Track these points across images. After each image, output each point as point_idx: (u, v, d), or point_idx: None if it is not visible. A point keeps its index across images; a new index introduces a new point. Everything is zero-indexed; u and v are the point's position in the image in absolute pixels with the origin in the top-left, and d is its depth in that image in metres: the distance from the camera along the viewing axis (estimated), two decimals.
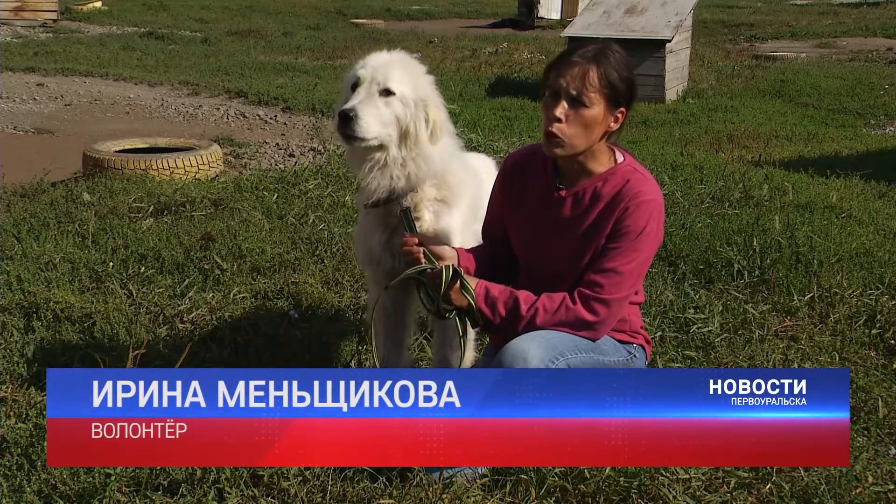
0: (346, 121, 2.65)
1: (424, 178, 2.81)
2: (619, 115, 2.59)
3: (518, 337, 2.51)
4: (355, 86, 2.74)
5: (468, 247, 2.93)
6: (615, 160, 2.67)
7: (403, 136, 2.75)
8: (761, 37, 19.97)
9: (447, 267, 2.58)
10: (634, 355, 2.74)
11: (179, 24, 20.62)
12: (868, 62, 15.63)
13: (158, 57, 14.69)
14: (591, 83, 2.50)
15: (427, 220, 2.85)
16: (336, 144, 7.64)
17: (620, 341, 2.72)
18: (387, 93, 2.73)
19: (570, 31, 11.72)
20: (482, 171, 3.33)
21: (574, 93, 2.51)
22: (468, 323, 2.67)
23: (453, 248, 2.75)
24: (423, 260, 2.63)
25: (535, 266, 2.74)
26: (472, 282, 2.61)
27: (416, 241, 2.66)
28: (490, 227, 2.92)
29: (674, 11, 11.45)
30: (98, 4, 22.08)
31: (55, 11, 18.82)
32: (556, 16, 24.09)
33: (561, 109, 2.52)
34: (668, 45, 11.07)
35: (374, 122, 2.68)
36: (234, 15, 23.10)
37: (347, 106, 2.67)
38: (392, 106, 2.73)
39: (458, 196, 2.92)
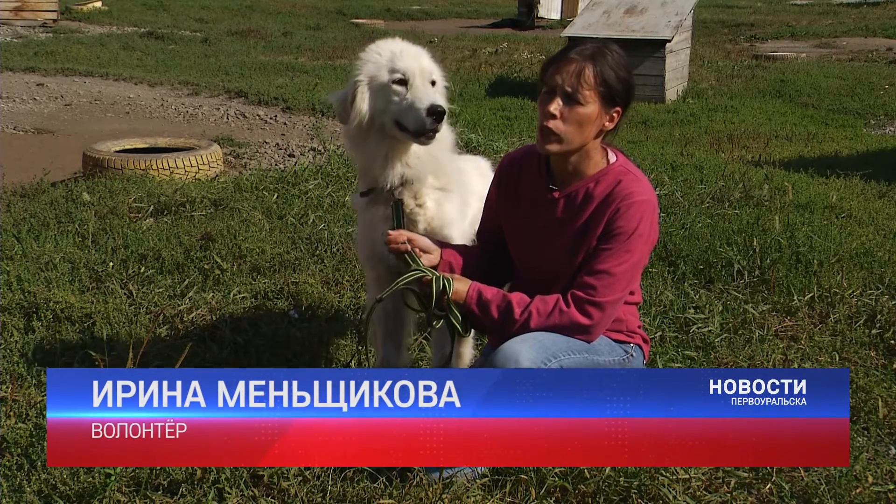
0: (441, 117, 2.65)
1: (435, 163, 2.81)
2: (615, 115, 2.59)
3: (511, 339, 2.51)
4: (401, 81, 2.70)
5: (469, 234, 2.94)
6: (608, 161, 2.67)
7: None
8: (761, 37, 19.99)
9: (437, 278, 2.58)
10: (631, 355, 2.74)
11: (179, 24, 20.63)
12: (868, 62, 15.64)
13: (158, 57, 14.69)
14: (586, 81, 2.51)
15: (430, 208, 2.85)
16: (336, 144, 7.65)
17: (617, 341, 2.72)
18: (433, 83, 2.76)
19: (570, 31, 11.72)
20: (473, 173, 3.33)
21: (569, 90, 2.51)
22: (462, 336, 2.68)
23: (436, 243, 2.75)
24: (409, 259, 2.63)
25: (530, 267, 2.74)
26: (465, 285, 2.60)
27: (405, 236, 2.65)
28: (486, 226, 2.92)
29: (674, 11, 11.46)
30: (98, 4, 22.09)
31: (55, 11, 18.83)
32: (556, 16, 24.12)
33: (556, 106, 2.53)
34: (668, 45, 11.07)
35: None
36: (234, 15, 23.11)
37: (435, 102, 2.65)
38: (439, 95, 2.76)
39: (454, 183, 2.93)
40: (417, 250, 2.65)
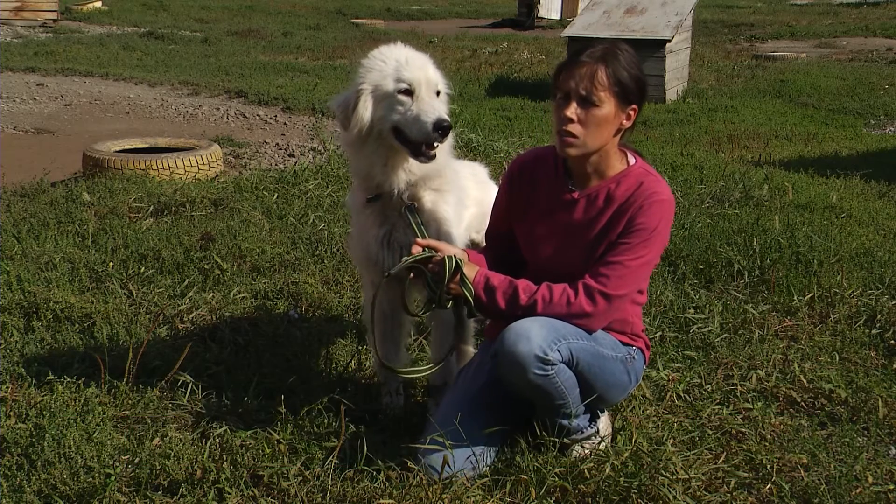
0: (447, 132, 2.64)
1: (436, 168, 2.80)
2: (631, 113, 2.61)
3: (522, 319, 2.52)
4: (406, 91, 2.69)
5: (465, 238, 2.96)
6: (627, 162, 2.69)
7: None
8: (761, 37, 19.97)
9: (450, 257, 2.58)
10: (634, 357, 2.75)
11: (179, 24, 20.62)
12: (868, 62, 15.63)
13: (158, 57, 14.69)
14: (600, 82, 2.52)
15: (426, 211, 2.86)
16: (336, 144, 7.65)
17: (621, 343, 2.73)
18: (437, 94, 2.74)
19: (570, 31, 11.71)
20: (469, 178, 3.32)
21: (584, 93, 2.53)
22: (472, 316, 2.71)
23: (463, 250, 2.75)
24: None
25: (546, 267, 2.73)
26: (472, 270, 2.62)
27: (426, 243, 2.65)
28: (495, 229, 2.93)
29: (674, 11, 11.45)
30: (98, 4, 22.10)
31: (55, 11, 18.83)
32: (556, 16, 24.11)
33: (572, 110, 2.54)
34: (668, 45, 11.06)
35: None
36: (234, 15, 23.12)
37: (442, 116, 2.64)
38: (443, 105, 2.76)
39: (449, 184, 2.93)
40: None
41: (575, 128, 2.54)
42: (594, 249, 2.63)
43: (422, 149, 2.67)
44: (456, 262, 2.58)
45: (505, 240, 2.89)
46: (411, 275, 2.65)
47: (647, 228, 2.56)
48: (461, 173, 3.20)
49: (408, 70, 2.70)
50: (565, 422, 2.64)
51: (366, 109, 2.72)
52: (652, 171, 2.69)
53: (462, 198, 3.05)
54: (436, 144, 2.66)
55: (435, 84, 2.74)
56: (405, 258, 2.63)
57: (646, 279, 2.71)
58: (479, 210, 3.24)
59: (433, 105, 2.67)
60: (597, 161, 2.64)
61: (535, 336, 2.45)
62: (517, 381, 2.52)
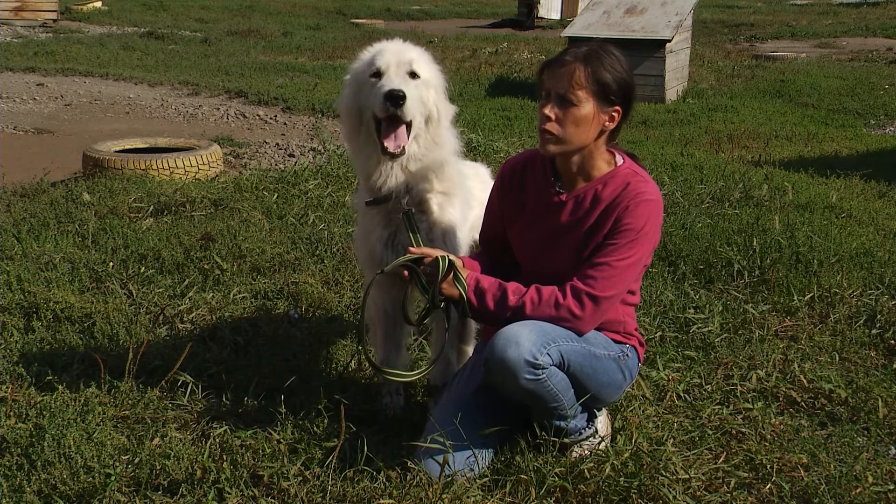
0: (397, 102, 2.61)
1: (436, 166, 2.81)
2: (615, 114, 2.60)
3: (511, 323, 2.52)
4: (377, 74, 2.71)
5: (469, 239, 2.95)
6: (615, 163, 2.69)
7: (427, 121, 2.77)
8: (761, 37, 19.99)
9: (443, 257, 2.58)
10: (627, 355, 2.75)
11: (179, 24, 20.63)
12: (868, 62, 15.63)
13: (158, 57, 14.69)
14: (577, 82, 2.52)
15: (434, 213, 2.86)
16: (336, 144, 7.65)
17: (614, 341, 2.73)
18: (413, 76, 2.74)
19: (570, 31, 11.71)
20: (473, 179, 3.33)
21: (561, 92, 2.54)
22: (465, 315, 2.69)
23: (457, 257, 2.74)
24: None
25: (538, 269, 2.74)
26: (464, 273, 2.62)
27: (420, 251, 2.65)
28: (488, 231, 2.93)
29: (674, 11, 11.44)
30: (98, 4, 22.11)
31: (55, 11, 18.84)
32: (556, 16, 24.13)
33: (549, 108, 2.56)
34: (668, 45, 11.06)
35: (413, 102, 2.68)
36: (234, 15, 23.12)
37: (394, 86, 2.62)
38: (419, 89, 2.74)
39: (456, 187, 2.94)
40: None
41: (552, 126, 2.55)
42: (582, 251, 2.62)
43: (383, 145, 2.69)
44: (449, 260, 2.59)
45: (498, 242, 2.89)
46: (405, 273, 2.65)
47: (634, 229, 2.56)
48: (466, 174, 3.20)
49: (382, 56, 2.74)
50: (562, 423, 2.63)
51: (347, 97, 2.80)
52: (640, 171, 2.68)
53: (468, 199, 3.06)
54: (400, 114, 2.64)
55: (407, 65, 2.73)
56: (400, 258, 2.63)
57: (636, 280, 2.70)
58: (482, 211, 3.24)
59: (394, 81, 2.67)
60: (580, 161, 2.64)
61: (524, 341, 2.44)
62: (509, 387, 2.51)
